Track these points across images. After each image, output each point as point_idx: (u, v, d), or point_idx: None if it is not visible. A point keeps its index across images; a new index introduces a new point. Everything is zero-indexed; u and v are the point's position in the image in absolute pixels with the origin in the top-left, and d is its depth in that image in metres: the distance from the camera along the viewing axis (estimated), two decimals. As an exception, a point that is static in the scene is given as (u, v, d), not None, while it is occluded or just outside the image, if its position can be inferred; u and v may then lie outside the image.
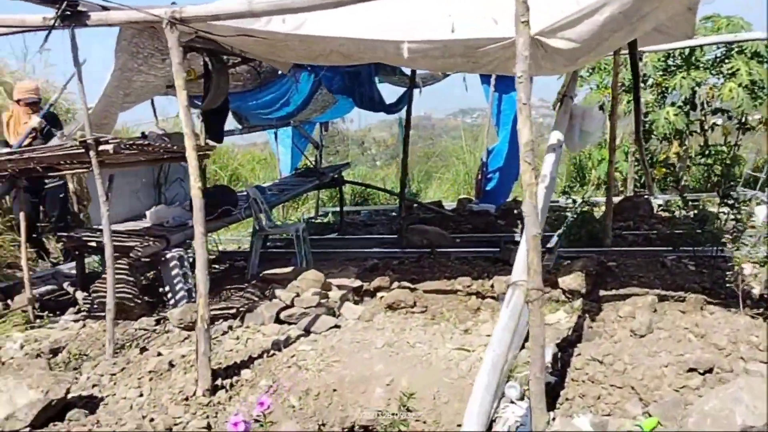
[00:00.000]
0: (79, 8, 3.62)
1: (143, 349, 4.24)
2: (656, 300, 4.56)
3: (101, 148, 3.75)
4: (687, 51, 9.55)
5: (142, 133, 4.85)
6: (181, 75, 3.55)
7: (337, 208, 10.33)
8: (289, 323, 4.82)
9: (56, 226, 6.40)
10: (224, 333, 4.73)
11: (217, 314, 5.12)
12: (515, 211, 8.54)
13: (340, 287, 5.50)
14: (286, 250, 7.15)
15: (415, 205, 10.01)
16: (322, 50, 4.15)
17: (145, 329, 4.89)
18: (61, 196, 6.54)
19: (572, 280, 5.02)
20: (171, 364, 3.89)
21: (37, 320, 5.24)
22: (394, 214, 11.11)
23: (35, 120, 5.70)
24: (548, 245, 6.31)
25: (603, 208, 7.79)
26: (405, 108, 7.33)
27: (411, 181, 13.62)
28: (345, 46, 3.90)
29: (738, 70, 9.23)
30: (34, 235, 6.60)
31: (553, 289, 5.15)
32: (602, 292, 5.01)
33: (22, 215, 5.03)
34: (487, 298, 5.14)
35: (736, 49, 9.47)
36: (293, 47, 4.13)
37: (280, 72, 6.74)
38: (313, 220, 10.81)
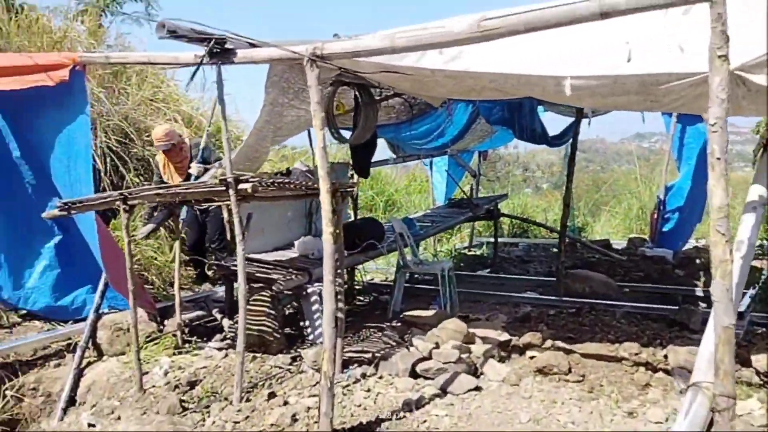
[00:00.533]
0: (227, 46, 3.58)
1: (271, 395, 4.08)
2: None
3: (240, 186, 3.68)
4: None
5: (287, 168, 4.83)
6: (319, 115, 3.35)
7: (492, 239, 9.80)
8: (426, 378, 4.43)
9: (216, 249, 6.61)
10: (356, 381, 4.46)
11: (352, 357, 4.88)
12: (697, 261, 7.42)
13: (484, 340, 5.02)
14: (432, 286, 6.79)
15: (579, 244, 9.16)
16: (473, 86, 3.76)
17: (279, 367, 4.78)
18: (222, 218, 6.76)
19: (771, 361, 4.09)
20: (294, 419, 3.68)
21: (186, 345, 5.36)
22: (555, 250, 10.33)
23: (194, 169, 6.01)
24: (738, 308, 5.30)
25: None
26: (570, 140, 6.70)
27: (576, 214, 12.67)
28: (497, 82, 3.47)
29: None
30: (199, 258, 6.88)
31: (744, 367, 4.25)
32: (811, 379, 4.02)
33: (176, 244, 5.20)
34: (658, 371, 4.36)
35: None
36: (442, 83, 3.79)
37: (433, 103, 6.45)
38: (465, 251, 10.38)
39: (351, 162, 5.57)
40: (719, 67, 2.37)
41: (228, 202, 4.20)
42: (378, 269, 8.31)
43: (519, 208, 13.14)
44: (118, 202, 4.08)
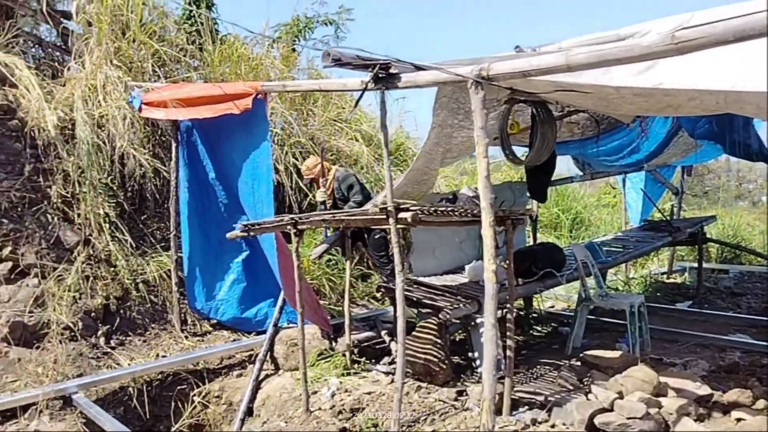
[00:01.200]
0: (391, 71, 3.47)
1: (432, 435, 3.88)
2: None
3: (401, 215, 3.54)
4: None
5: (453, 193, 4.61)
6: (483, 141, 3.08)
7: (696, 264, 8.64)
8: (604, 432, 3.91)
9: (382, 267, 6.60)
10: (525, 427, 4.08)
11: (522, 398, 4.51)
12: None
13: (678, 392, 4.33)
14: (619, 321, 6.10)
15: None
16: (669, 103, 3.22)
17: (444, 401, 4.56)
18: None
19: None
20: (452, 466, 3.43)
21: (354, 365, 5.38)
22: (772, 281, 8.86)
23: (319, 195, 6.27)
24: None
25: None
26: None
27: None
28: (697, 100, 2.91)
29: None
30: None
31: None
32: None
33: (348, 265, 5.24)
34: None
35: None
36: (630, 101, 3.30)
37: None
38: (663, 278, 9.30)
39: (527, 185, 5.18)
40: None
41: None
42: (559, 295, 7.72)
43: (731, 229, 11.54)
44: (289, 227, 4.17)
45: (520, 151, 6.03)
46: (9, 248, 5.26)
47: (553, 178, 7.92)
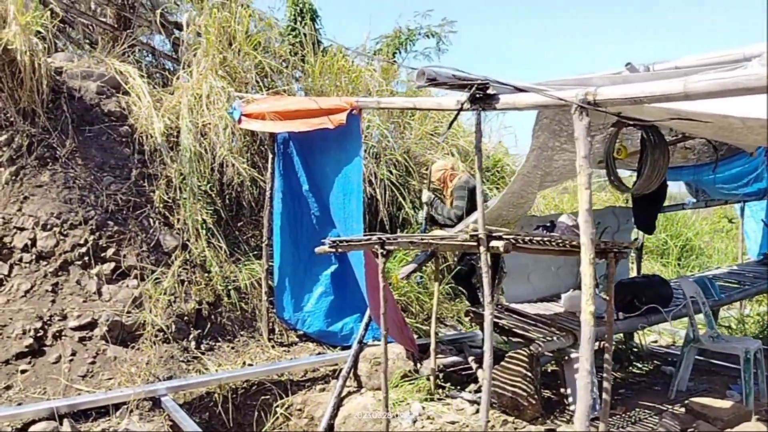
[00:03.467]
0: (489, 91, 3.30)
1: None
2: None
3: (492, 243, 3.35)
4: None
5: (552, 221, 4.34)
6: (586, 171, 2.84)
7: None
8: (711, 495, 3.52)
9: (472, 292, 6.38)
10: (618, 477, 3.76)
11: (618, 443, 4.17)
12: None
13: (800, 457, 3.85)
14: (732, 365, 5.54)
15: None
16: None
17: (530, 440, 4.30)
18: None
19: None
20: None
21: (439, 390, 5.21)
22: None
23: (424, 195, 6.01)
24: None
25: None
26: None
27: None
28: None
29: None
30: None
31: None
32: None
33: (436, 286, 5.09)
34: None
35: None
36: (757, 132, 2.94)
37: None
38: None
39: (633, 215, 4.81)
40: None
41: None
42: (664, 330, 7.17)
43: None
44: (376, 246, 4.08)
45: (627, 173, 5.66)
46: (113, 249, 5.52)
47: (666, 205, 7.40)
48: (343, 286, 6.10)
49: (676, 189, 8.51)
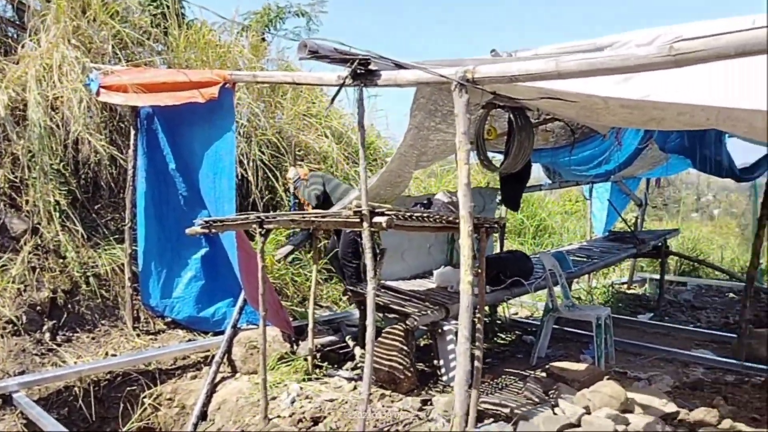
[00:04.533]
0: (371, 67, 3.29)
1: (395, 448, 3.72)
2: None
3: (375, 219, 3.37)
4: None
5: (428, 198, 4.47)
6: (465, 147, 2.94)
7: (657, 275, 8.72)
8: (572, 449, 3.83)
9: (350, 269, 6.41)
10: (490, 440, 3.97)
11: (488, 409, 4.40)
12: None
13: (645, 409, 4.29)
14: (585, 332, 6.05)
15: (765, 294, 7.86)
16: (654, 116, 3.13)
17: (408, 411, 4.41)
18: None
19: None
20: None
21: (316, 370, 5.19)
22: (731, 295, 9.01)
23: (291, 172, 6.25)
24: None
25: None
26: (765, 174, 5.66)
27: (762, 253, 11.03)
28: (687, 115, 2.83)
29: None
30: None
31: None
32: None
33: (314, 269, 5.05)
34: None
35: None
36: (615, 112, 3.20)
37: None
38: (624, 288, 9.37)
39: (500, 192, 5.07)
40: None
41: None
42: (524, 303, 7.67)
43: (690, 242, 11.75)
44: (254, 225, 3.96)
45: (496, 157, 5.94)
46: (-51, 234, 4.90)
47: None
48: (214, 270, 5.86)
49: (534, 172, 9.10)
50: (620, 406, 4.19)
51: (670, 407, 4.31)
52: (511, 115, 4.48)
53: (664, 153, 6.61)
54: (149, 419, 5.00)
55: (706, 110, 2.71)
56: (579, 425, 3.96)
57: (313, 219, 3.68)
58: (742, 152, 7.27)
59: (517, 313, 7.58)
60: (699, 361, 5.58)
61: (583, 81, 3.04)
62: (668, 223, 12.89)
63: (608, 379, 4.75)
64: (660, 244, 7.98)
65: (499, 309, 6.90)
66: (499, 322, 6.74)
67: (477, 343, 4.24)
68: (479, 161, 4.78)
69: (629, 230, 8.39)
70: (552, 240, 11.17)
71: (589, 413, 4.09)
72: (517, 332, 6.66)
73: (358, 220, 3.47)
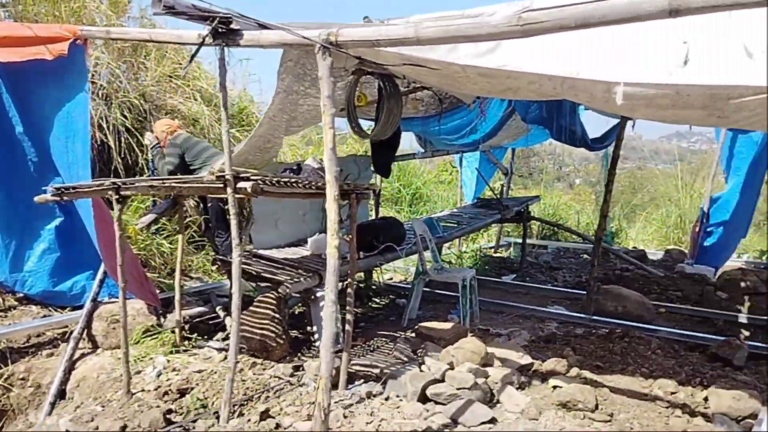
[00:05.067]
0: (232, 26, 3.18)
1: (265, 414, 3.71)
2: None
3: (240, 185, 3.30)
4: None
5: (298, 164, 4.43)
6: (329, 111, 2.93)
7: (521, 239, 9.28)
8: (437, 403, 4.02)
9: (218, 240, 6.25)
10: (360, 400, 4.08)
11: (359, 371, 4.51)
12: (742, 283, 6.83)
13: (504, 362, 4.60)
14: (454, 293, 6.34)
15: (612, 254, 8.63)
16: (510, 86, 3.29)
17: (279, 378, 4.42)
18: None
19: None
20: (284, 447, 3.31)
21: (185, 343, 5.05)
22: (585, 256, 9.80)
23: (147, 138, 6.01)
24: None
25: None
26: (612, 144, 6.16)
27: (612, 217, 12.09)
28: (538, 84, 3.00)
29: None
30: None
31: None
32: None
33: (180, 238, 4.87)
34: (696, 415, 3.88)
35: None
36: (474, 81, 3.32)
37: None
38: (491, 252, 9.91)
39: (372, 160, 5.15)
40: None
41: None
42: (397, 268, 7.89)
43: (551, 209, 12.58)
44: (110, 192, 3.73)
45: (367, 125, 5.99)
46: None
47: (396, 154, 8.04)
48: (70, 241, 5.46)
49: (408, 143, 9.31)
50: (481, 361, 4.46)
51: (526, 359, 4.65)
52: (381, 82, 4.53)
53: (525, 123, 7.00)
54: (0, 400, 4.62)
55: (552, 80, 2.89)
56: (443, 380, 4.17)
57: (173, 185, 3.53)
58: (595, 123, 7.88)
59: (391, 279, 7.79)
60: (553, 316, 6.05)
61: (448, 50, 3.13)
62: (532, 191, 13.70)
63: (472, 336, 5.03)
64: (522, 210, 8.49)
65: (374, 274, 7.05)
66: (373, 287, 6.89)
67: (349, 308, 4.33)
68: (350, 128, 4.80)
69: (495, 197, 8.85)
70: (427, 207, 11.53)
71: (452, 368, 4.31)
72: (391, 296, 6.85)
73: (221, 185, 3.38)
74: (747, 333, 5.70)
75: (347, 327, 4.30)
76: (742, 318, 6.06)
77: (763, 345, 4.92)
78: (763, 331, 5.64)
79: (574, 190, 19.41)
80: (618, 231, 11.78)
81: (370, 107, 5.08)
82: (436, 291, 6.65)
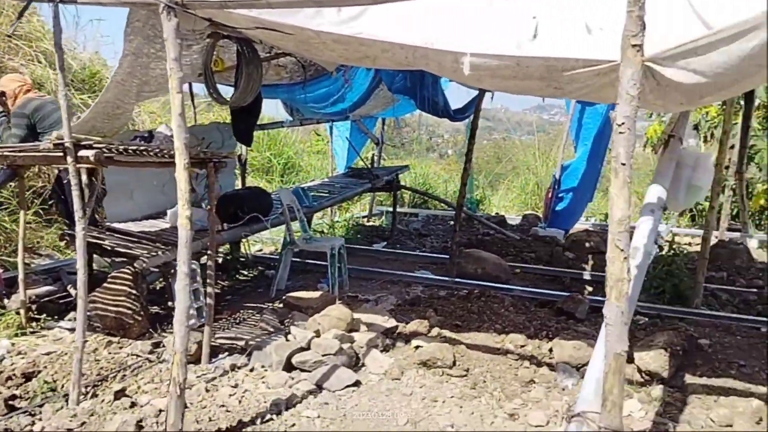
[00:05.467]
0: (67, -19, 2.92)
1: (120, 393, 3.55)
2: (762, 406, 3.53)
3: (81, 153, 3.07)
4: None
5: (150, 132, 4.20)
6: (176, 74, 2.80)
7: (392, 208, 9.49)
8: (302, 370, 4.06)
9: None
10: (224, 373, 4.02)
11: (223, 344, 4.44)
12: (587, 243, 7.46)
13: (369, 327, 4.71)
14: (324, 263, 6.37)
15: (476, 221, 9.06)
16: (366, 53, 3.30)
17: (137, 355, 4.24)
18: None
19: (652, 359, 4.03)
20: (139, 426, 3.19)
21: (33, 324, 4.69)
22: (452, 223, 10.21)
23: None
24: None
25: (692, 244, 6.68)
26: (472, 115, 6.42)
27: (477, 185, 12.66)
28: (391, 53, 3.04)
29: None
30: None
31: (627, 362, 4.18)
32: (689, 379, 4.01)
33: (21, 214, 4.47)
34: (543, 365, 4.21)
35: None
36: (331, 48, 3.31)
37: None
38: (364, 221, 10.05)
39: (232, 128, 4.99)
40: (632, 58, 2.07)
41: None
42: (267, 239, 7.79)
43: (421, 178, 12.94)
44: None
45: (229, 91, 5.79)
46: None
47: (263, 122, 7.87)
48: None
49: (274, 110, 9.13)
50: (347, 327, 4.54)
51: (391, 323, 4.80)
52: (239, 47, 4.38)
53: (392, 93, 7.10)
54: None
55: (404, 48, 2.94)
56: (309, 348, 4.20)
57: (6, 155, 3.22)
58: (458, 94, 8.18)
59: (261, 250, 7.68)
60: (419, 280, 6.27)
61: (310, 16, 3.07)
62: (405, 161, 14.00)
63: (340, 303, 5.10)
64: (392, 179, 8.66)
65: (242, 246, 6.91)
66: (242, 259, 6.75)
67: (209, 281, 4.22)
68: (208, 93, 4.62)
69: (366, 167, 8.95)
70: (300, 177, 11.43)
71: (318, 336, 4.35)
72: (260, 268, 6.76)
73: (60, 154, 3.13)
74: (590, 288, 6.25)
75: (209, 300, 4.20)
76: (586, 275, 6.63)
77: (602, 299, 5.42)
78: (602, 287, 6.20)
79: (445, 160, 20.09)
80: (482, 198, 12.36)
81: (230, 73, 4.90)
82: (307, 261, 6.65)
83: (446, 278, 6.20)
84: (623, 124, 2.08)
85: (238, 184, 7.15)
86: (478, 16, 3.01)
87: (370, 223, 10.11)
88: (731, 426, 3.41)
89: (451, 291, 5.85)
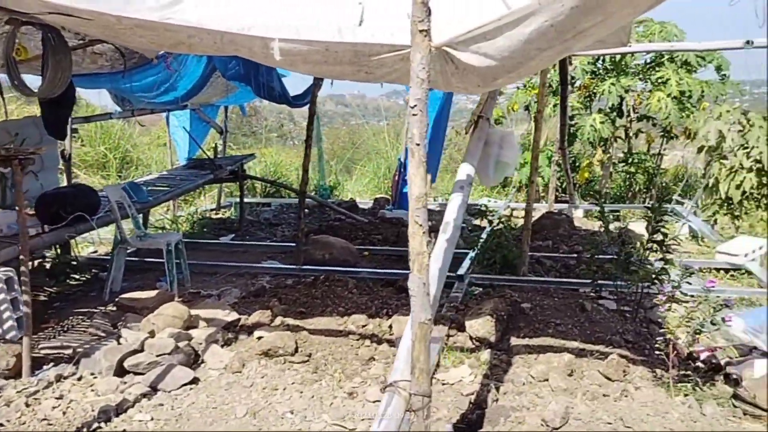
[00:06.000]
0: None
1: None
2: (573, 359, 3.93)
3: None
4: (618, 56, 9.05)
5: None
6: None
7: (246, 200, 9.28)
8: (135, 374, 3.88)
9: None
10: (48, 385, 3.74)
11: (48, 354, 4.13)
12: (431, 222, 7.79)
13: (209, 322, 4.61)
14: (161, 260, 6.10)
15: (327, 207, 9.13)
16: (178, 39, 3.18)
17: None
18: None
19: (481, 326, 4.32)
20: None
21: None
22: (306, 211, 10.20)
23: None
24: (459, 271, 5.62)
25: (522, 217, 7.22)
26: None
27: (332, 171, 12.74)
28: (197, 38, 2.95)
29: (668, 80, 8.82)
30: None
31: (460, 332, 4.46)
32: (514, 341, 4.35)
33: None
34: (383, 342, 4.36)
35: (667, 57, 9.07)
36: (139, 34, 3.14)
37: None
38: (211, 214, 9.74)
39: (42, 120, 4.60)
40: (420, 43, 2.18)
41: None
42: (103, 239, 7.30)
43: (273, 166, 12.77)
44: None
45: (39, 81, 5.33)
46: None
47: (93, 114, 7.33)
48: None
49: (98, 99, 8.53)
50: (184, 324, 4.40)
51: (233, 316, 4.72)
52: (44, 34, 4.04)
53: (227, 80, 6.90)
54: None
55: (211, 34, 2.87)
56: (143, 350, 4.03)
57: None
58: (299, 81, 8.13)
59: (96, 252, 7.19)
60: (266, 270, 6.21)
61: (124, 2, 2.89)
62: (254, 150, 13.70)
63: (180, 300, 4.93)
64: (236, 169, 8.44)
65: (74, 249, 6.43)
66: (73, 262, 6.27)
67: (25, 288, 3.89)
68: (13, 86, 4.23)
69: (208, 157, 8.65)
70: (139, 172, 10.80)
71: (153, 336, 4.18)
72: (94, 271, 6.33)
73: None
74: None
75: (26, 309, 3.88)
76: (428, 253, 6.92)
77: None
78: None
79: (297, 148, 19.86)
80: (336, 185, 12.46)
81: (38, 62, 4.50)
82: (145, 260, 6.33)
83: (293, 267, 6.18)
84: (415, 106, 2.19)
85: (64, 182, 6.62)
86: (300, 1, 3.01)
87: (218, 216, 9.82)
88: (547, 380, 3.75)
89: (297, 279, 5.86)
